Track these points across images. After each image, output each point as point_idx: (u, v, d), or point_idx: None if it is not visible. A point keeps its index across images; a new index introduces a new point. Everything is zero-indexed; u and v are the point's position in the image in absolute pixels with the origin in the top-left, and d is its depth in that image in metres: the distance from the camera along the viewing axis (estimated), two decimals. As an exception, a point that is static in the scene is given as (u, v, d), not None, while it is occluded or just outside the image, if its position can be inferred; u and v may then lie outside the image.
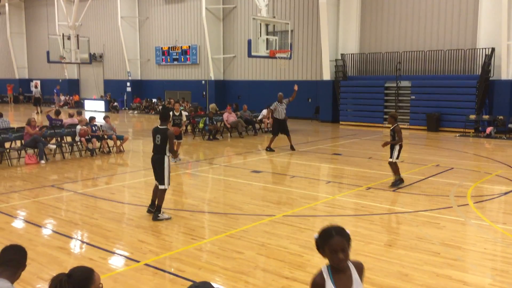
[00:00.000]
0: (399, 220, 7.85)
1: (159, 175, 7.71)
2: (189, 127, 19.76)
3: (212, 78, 30.70)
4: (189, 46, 32.19)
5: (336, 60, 25.14)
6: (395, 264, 5.80)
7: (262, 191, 9.98)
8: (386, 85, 23.14)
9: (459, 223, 7.55)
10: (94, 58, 34.13)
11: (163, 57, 33.77)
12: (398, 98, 22.87)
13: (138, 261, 5.93)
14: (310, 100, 27.16)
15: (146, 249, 6.36)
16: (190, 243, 6.56)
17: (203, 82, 30.97)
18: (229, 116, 19.43)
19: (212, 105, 22.66)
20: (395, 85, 22.78)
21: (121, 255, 6.25)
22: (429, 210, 8.23)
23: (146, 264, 5.81)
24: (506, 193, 9.53)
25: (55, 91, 36.84)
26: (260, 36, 18.63)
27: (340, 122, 24.60)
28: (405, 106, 22.65)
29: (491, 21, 20.53)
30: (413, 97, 22.13)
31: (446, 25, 22.14)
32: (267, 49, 18.91)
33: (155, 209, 7.70)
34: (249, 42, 18.80)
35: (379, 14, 24.27)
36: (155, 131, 7.78)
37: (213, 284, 2.54)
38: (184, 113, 14.54)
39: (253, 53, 18.75)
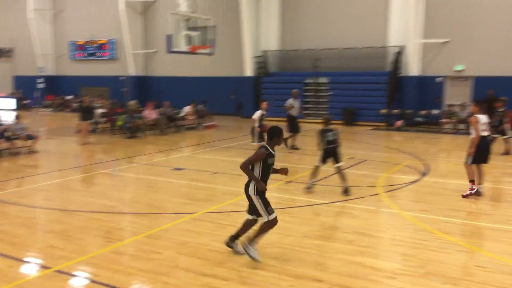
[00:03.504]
0: (316, 211, 8.13)
1: None
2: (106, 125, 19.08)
3: (132, 74, 29.83)
4: (107, 41, 31.01)
5: (257, 56, 25.46)
6: (312, 254, 6.01)
7: (184, 189, 9.88)
8: (306, 81, 23.83)
9: (371, 212, 7.98)
10: (0, 53, 31.78)
11: (79, 52, 32.24)
12: (317, 93, 23.65)
13: (48, 268, 5.63)
14: (232, 96, 27.29)
15: (58, 254, 6.05)
16: (105, 246, 6.34)
17: (122, 78, 29.96)
18: (150, 113, 18.99)
19: (132, 102, 22.04)
20: (314, 81, 23.52)
21: (30, 262, 5.90)
22: (343, 201, 8.62)
23: (57, 271, 5.53)
24: (413, 182, 10.22)
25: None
26: (180, 31, 18.36)
27: (263, 118, 24.93)
28: (323, 102, 23.48)
29: (400, 20, 21.85)
30: (331, 92, 23.00)
31: (359, 24, 23.23)
32: (188, 44, 18.70)
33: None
34: (169, 37, 18.48)
35: (298, 12, 24.92)
36: None
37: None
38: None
39: (173, 49, 18.46)
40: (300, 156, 13.61)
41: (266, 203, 5.72)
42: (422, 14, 21.38)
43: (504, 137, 13.79)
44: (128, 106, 21.25)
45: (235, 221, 7.47)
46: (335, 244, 6.38)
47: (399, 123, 20.69)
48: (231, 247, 6.05)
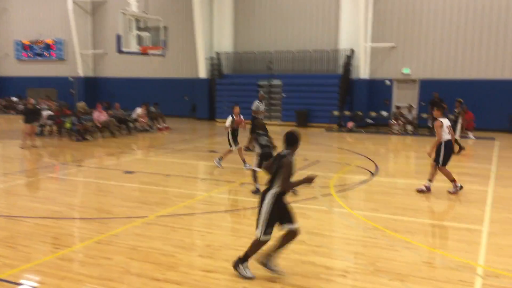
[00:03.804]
0: (269, 213, 8.16)
1: None
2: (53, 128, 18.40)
3: (81, 75, 28.95)
4: (55, 41, 29.94)
5: (211, 58, 25.36)
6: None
7: (135, 193, 9.66)
8: (260, 83, 23.97)
9: (323, 212, 8.11)
10: None
11: (25, 51, 30.94)
12: (270, 95, 23.83)
13: (-10, 278, 5.34)
14: (186, 98, 27.05)
15: (1, 262, 5.75)
16: (52, 253, 6.09)
17: (71, 79, 29.01)
18: (100, 115, 18.48)
19: (81, 104, 21.30)
20: (267, 83, 23.70)
21: (-31, 272, 5.57)
22: (296, 202, 8.70)
23: (1, 279, 5.25)
24: (363, 182, 10.48)
25: None
26: (131, 31, 18.00)
27: (217, 120, 24.90)
28: (277, 103, 23.71)
29: (351, 24, 22.42)
30: (284, 95, 23.25)
31: (312, 27, 23.65)
32: (139, 45, 18.36)
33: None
34: (118, 37, 18.08)
35: (251, 14, 25.05)
36: None
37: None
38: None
39: (123, 49, 18.07)
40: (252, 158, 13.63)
41: (272, 221, 5.17)
42: (371, 19, 22.04)
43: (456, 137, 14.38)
44: (76, 108, 20.56)
45: (188, 224, 7.39)
46: (288, 245, 6.42)
47: (350, 124, 21.20)
48: (270, 268, 5.37)
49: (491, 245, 6.46)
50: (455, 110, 14.56)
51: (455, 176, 9.39)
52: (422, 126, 20.43)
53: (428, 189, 9.35)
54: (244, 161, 11.85)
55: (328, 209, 8.28)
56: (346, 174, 11.49)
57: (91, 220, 7.63)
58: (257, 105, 15.41)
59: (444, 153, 9.16)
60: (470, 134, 18.19)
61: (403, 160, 14.96)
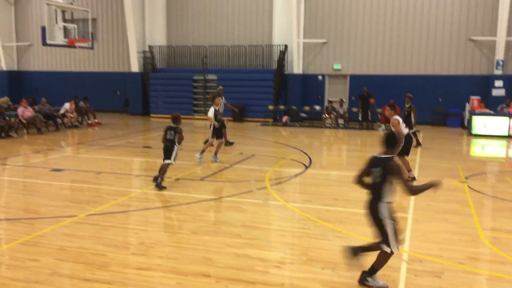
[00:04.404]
0: (205, 207, 8.13)
1: None
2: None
3: (4, 69, 27.21)
4: (-28, 31, 27.83)
5: (144, 51, 24.75)
6: (200, 250, 6.00)
7: (64, 191, 9.26)
8: (195, 77, 23.74)
9: (258, 205, 8.20)
10: None
11: None
12: (206, 90, 23.66)
13: None
14: (118, 93, 26.24)
15: None
16: (-28, 257, 5.70)
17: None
18: (25, 111, 17.47)
19: (4, 99, 20.10)
20: (202, 78, 23.51)
21: None
22: (232, 196, 8.75)
23: None
24: (298, 175, 10.72)
25: None
26: (57, 23, 17.13)
27: (151, 115, 24.38)
28: (212, 98, 23.56)
29: (283, 20, 22.74)
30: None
31: (246, 22, 23.75)
32: (65, 37, 17.52)
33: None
34: (43, 29, 17.15)
35: (184, 8, 24.70)
36: None
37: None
38: None
39: (48, 41, 17.17)
40: (189, 153, 13.52)
41: (397, 231, 4.88)
42: (302, 15, 22.50)
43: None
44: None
45: (121, 222, 7.20)
46: (224, 239, 6.45)
47: (285, 118, 21.57)
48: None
49: (415, 232, 6.85)
50: (406, 105, 15.15)
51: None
52: (352, 120, 21.22)
53: (413, 179, 9.95)
54: (215, 153, 11.82)
55: (264, 202, 8.39)
56: (281, 167, 11.69)
57: (16, 221, 7.22)
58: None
59: (404, 145, 9.75)
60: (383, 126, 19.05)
61: (336, 153, 15.46)
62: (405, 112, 14.99)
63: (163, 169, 9.30)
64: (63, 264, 5.56)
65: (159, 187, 9.12)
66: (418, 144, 14.95)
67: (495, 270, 4.86)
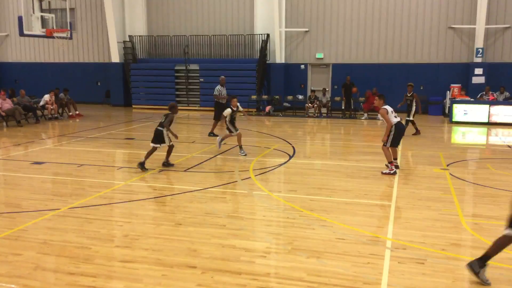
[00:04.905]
0: (189, 198, 8.10)
1: None
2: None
3: (-21, 60, 26.59)
4: None
5: (124, 41, 24.39)
6: (185, 241, 5.98)
7: (46, 184, 9.11)
8: (176, 68, 23.54)
9: (243, 196, 8.20)
10: None
11: None
12: (188, 81, 23.50)
13: None
14: (99, 84, 25.88)
15: None
16: (-49, 254, 5.59)
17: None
18: (4, 103, 17.12)
19: (-19, 91, 19.59)
20: (184, 68, 23.32)
21: None
22: (216, 186, 8.73)
23: None
24: (281, 165, 10.74)
25: None
26: (34, 13, 16.75)
27: (133, 106, 24.15)
28: (195, 89, 23.44)
29: (266, 9, 22.63)
30: (202, 79, 23.03)
31: (227, 11, 23.55)
32: (43, 27, 17.15)
33: None
34: (20, 19, 16.76)
35: (164, -3, 24.38)
36: None
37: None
38: None
39: (25, 32, 16.79)
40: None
41: None
42: (284, 4, 22.41)
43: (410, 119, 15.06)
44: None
45: (104, 215, 7.13)
46: (208, 230, 6.43)
47: (268, 108, 21.56)
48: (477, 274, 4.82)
49: (398, 219, 6.93)
50: (407, 94, 15.22)
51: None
52: (335, 109, 21.32)
53: (396, 167, 9.79)
54: (240, 147, 11.71)
55: (248, 192, 8.39)
56: (265, 157, 11.69)
57: (-4, 216, 7.08)
58: (219, 90, 15.22)
59: (394, 135, 9.69)
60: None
61: (319, 142, 15.53)
62: (407, 100, 15.12)
63: (148, 152, 9.98)
64: (47, 258, 5.49)
65: (141, 167, 9.79)
66: (417, 132, 15.08)
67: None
